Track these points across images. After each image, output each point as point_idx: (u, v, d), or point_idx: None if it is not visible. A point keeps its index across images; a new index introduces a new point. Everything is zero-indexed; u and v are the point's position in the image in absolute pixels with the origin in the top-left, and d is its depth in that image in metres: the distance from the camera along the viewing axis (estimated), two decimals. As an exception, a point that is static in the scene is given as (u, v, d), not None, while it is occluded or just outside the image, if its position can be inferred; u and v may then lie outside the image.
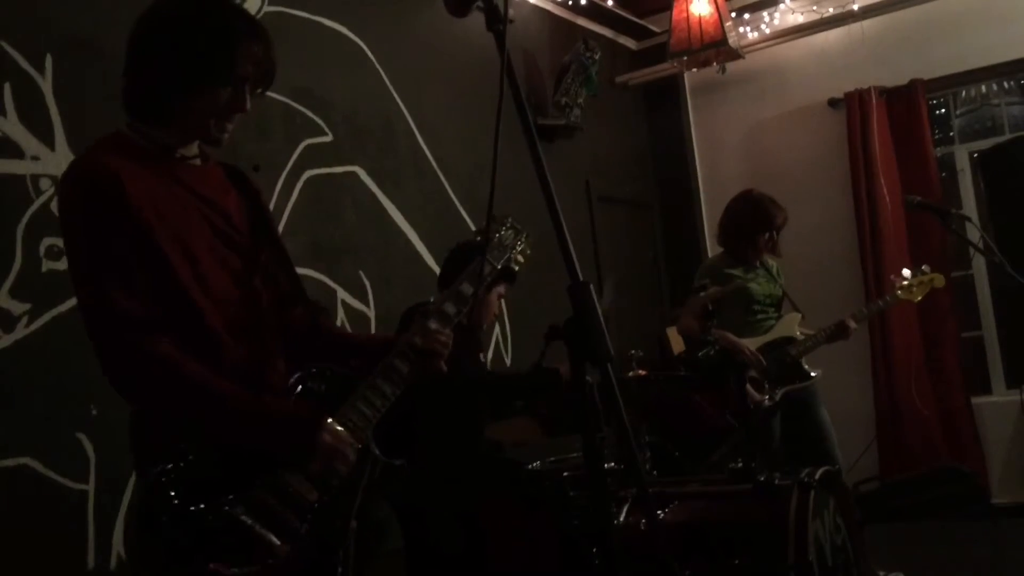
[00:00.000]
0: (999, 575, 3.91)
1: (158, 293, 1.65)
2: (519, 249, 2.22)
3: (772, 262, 4.15)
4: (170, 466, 1.59)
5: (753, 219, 3.97)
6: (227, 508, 1.59)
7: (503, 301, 4.26)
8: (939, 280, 4.13)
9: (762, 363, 3.79)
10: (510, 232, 2.20)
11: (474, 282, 2.04)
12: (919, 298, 4.15)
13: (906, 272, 4.13)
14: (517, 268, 2.25)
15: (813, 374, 3.94)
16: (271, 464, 1.65)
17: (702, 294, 3.54)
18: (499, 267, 2.16)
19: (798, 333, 3.95)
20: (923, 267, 4.15)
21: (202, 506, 1.58)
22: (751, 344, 3.84)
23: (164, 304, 1.65)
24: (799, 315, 4.02)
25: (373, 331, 3.75)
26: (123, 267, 1.63)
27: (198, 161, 1.81)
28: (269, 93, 3.52)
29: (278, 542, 1.60)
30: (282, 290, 1.90)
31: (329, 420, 1.70)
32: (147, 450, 1.68)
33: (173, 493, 1.57)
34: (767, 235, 3.97)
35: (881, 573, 3.44)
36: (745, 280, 3.94)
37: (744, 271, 3.98)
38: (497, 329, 4.49)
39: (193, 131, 1.76)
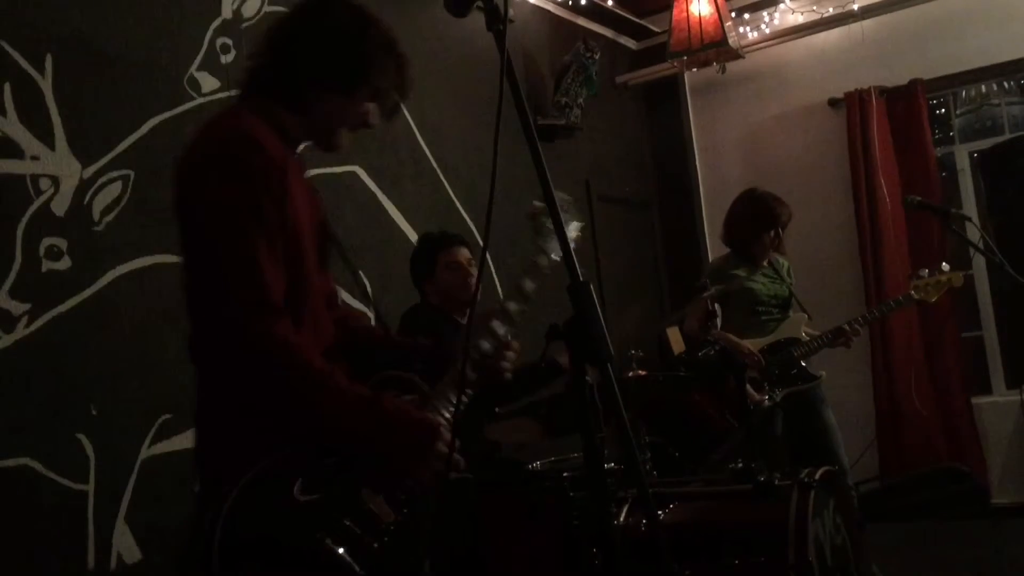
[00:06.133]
0: (999, 575, 3.91)
1: (288, 277, 1.65)
2: (572, 236, 2.06)
3: (783, 261, 4.13)
4: (264, 470, 1.55)
5: (757, 218, 3.94)
6: (317, 536, 1.56)
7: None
8: (957, 279, 3.93)
9: (762, 364, 3.78)
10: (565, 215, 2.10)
11: (534, 277, 1.98)
12: (934, 298, 3.95)
13: (923, 271, 3.96)
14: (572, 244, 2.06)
15: (817, 376, 3.93)
16: (354, 478, 1.63)
17: (704, 294, 3.54)
18: (554, 257, 2.02)
19: (803, 334, 3.94)
20: (943, 264, 3.96)
21: (290, 525, 1.55)
22: (753, 344, 3.83)
23: (290, 290, 1.65)
24: (805, 316, 4.01)
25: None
26: (272, 243, 1.61)
27: (300, 159, 1.86)
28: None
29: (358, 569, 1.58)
30: (328, 289, 1.94)
31: (441, 426, 1.71)
32: (234, 452, 1.60)
33: (266, 500, 1.54)
34: (772, 233, 3.95)
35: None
36: (749, 280, 3.93)
37: (749, 271, 3.97)
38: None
39: (322, 130, 1.81)
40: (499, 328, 1.89)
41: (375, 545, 1.61)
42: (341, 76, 1.76)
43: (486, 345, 1.87)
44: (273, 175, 1.63)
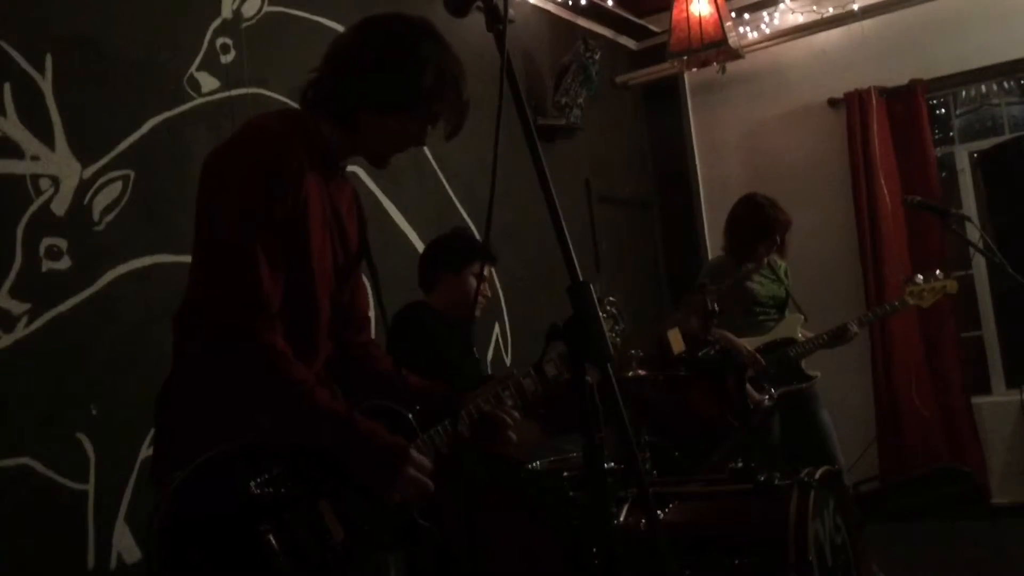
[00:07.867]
0: (999, 575, 3.91)
1: (290, 285, 1.66)
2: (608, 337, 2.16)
3: (780, 263, 4.15)
4: (226, 454, 1.56)
5: (754, 225, 3.97)
6: (260, 528, 1.55)
7: (500, 288, 4.23)
8: (952, 286, 4.00)
9: (760, 363, 3.79)
10: (607, 319, 2.14)
11: (560, 366, 2.01)
12: (929, 304, 4.02)
13: (918, 277, 4.02)
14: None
15: (812, 376, 3.95)
16: (315, 486, 1.64)
17: (708, 291, 3.54)
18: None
19: (799, 335, 3.95)
20: (937, 272, 4.02)
21: (237, 514, 1.54)
22: (750, 344, 3.84)
23: (289, 298, 1.67)
24: (801, 317, 4.02)
25: (373, 332, 3.75)
26: (276, 247, 1.63)
27: (344, 176, 1.86)
28: (269, 93, 3.53)
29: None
30: (357, 316, 1.98)
31: (414, 451, 1.71)
32: (202, 431, 1.61)
33: (220, 483, 1.54)
34: (769, 240, 3.97)
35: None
36: (748, 280, 3.94)
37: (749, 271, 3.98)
38: (496, 329, 4.49)
39: (370, 148, 1.81)
40: (508, 399, 1.94)
41: (315, 559, 1.59)
42: (388, 97, 1.74)
43: (486, 407, 1.91)
44: (288, 183, 1.64)
